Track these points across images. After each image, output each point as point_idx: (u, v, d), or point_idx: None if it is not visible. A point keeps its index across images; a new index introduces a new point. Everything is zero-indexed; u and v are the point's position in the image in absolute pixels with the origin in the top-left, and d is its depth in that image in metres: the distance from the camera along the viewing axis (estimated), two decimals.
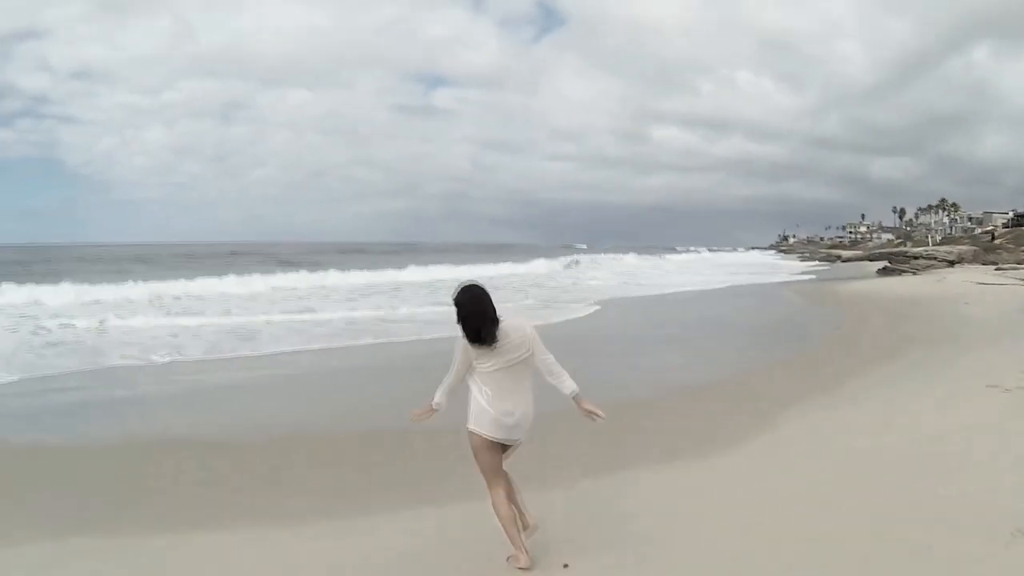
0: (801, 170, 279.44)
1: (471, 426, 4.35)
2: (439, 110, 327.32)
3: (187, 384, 11.16)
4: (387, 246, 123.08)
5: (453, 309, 4.36)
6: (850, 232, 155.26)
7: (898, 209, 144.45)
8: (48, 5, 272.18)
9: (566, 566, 4.33)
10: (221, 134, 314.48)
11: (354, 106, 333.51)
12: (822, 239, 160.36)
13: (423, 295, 26.55)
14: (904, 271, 48.44)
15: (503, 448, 4.41)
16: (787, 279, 43.18)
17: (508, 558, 4.41)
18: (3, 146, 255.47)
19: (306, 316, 19.56)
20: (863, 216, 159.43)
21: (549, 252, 76.43)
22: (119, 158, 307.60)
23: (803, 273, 52.80)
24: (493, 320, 4.29)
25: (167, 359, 12.75)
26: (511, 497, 4.47)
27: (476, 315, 4.28)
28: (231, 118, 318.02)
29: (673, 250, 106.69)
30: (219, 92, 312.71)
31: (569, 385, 4.39)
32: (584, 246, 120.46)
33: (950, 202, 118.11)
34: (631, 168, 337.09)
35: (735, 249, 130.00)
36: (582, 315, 21.49)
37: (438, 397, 4.42)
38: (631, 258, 63.73)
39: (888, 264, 54.52)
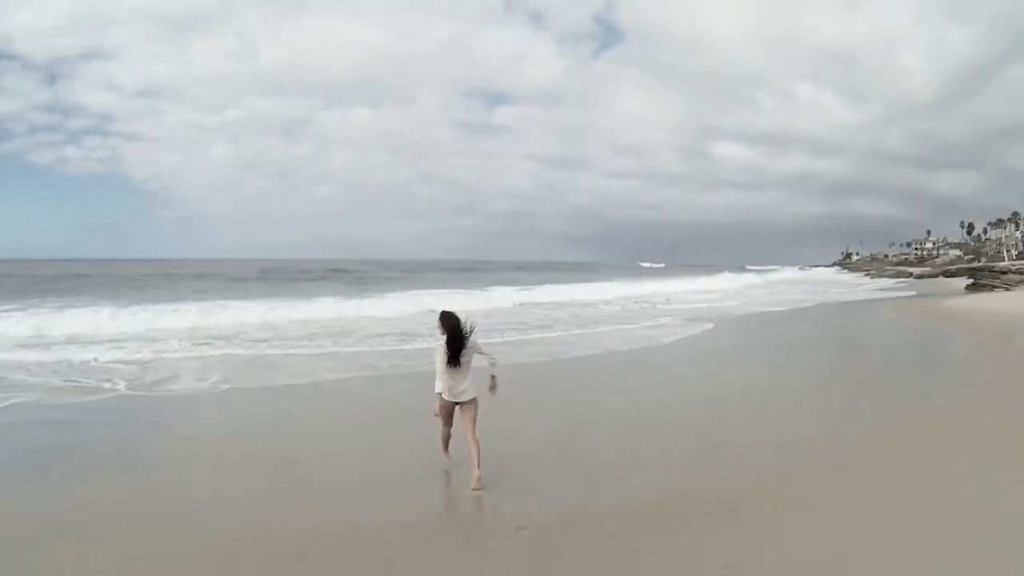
0: (862, 186, 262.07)
1: (437, 389, 6.11)
2: (500, 127, 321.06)
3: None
4: (460, 263, 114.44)
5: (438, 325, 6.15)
6: (916, 248, 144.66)
7: (966, 224, 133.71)
8: (114, 25, 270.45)
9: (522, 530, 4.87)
10: (284, 151, 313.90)
11: (415, 123, 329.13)
12: (886, 256, 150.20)
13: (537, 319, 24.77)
14: (995, 287, 43.83)
15: (454, 406, 6.08)
16: (877, 296, 39.66)
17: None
18: (70, 163, 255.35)
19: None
20: (928, 232, 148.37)
21: (625, 272, 73.71)
22: (184, 174, 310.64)
23: (885, 290, 48.65)
24: (462, 345, 6.01)
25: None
26: (472, 444, 5.96)
27: (456, 341, 5.98)
28: (294, 135, 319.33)
29: (743, 268, 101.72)
30: (282, 110, 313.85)
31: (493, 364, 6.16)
32: (662, 265, 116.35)
33: (1023, 215, 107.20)
34: (693, 185, 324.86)
35: (804, 267, 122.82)
36: (696, 332, 19.49)
37: (439, 386, 6.06)
38: (725, 276, 60.54)
39: (974, 280, 49.65)
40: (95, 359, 13.40)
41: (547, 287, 39.33)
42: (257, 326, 20.35)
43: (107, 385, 10.87)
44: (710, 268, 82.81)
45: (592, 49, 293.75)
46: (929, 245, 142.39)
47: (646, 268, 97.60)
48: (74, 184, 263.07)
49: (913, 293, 41.13)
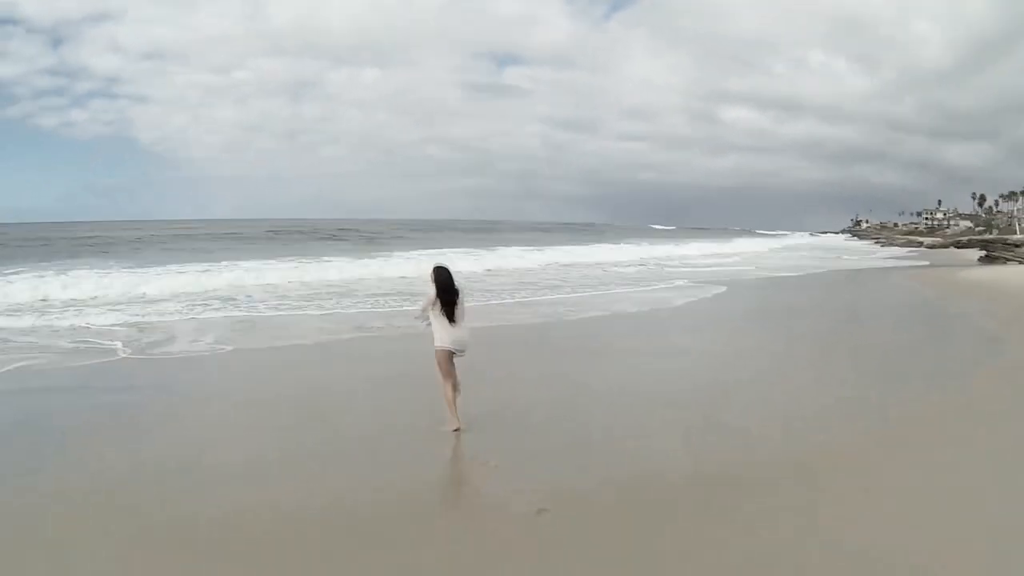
0: (873, 154, 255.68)
1: (437, 345, 6.29)
2: (510, 88, 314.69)
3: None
4: (470, 223, 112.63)
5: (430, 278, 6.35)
6: (926, 218, 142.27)
7: (977, 195, 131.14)
8: None
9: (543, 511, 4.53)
10: (292, 112, 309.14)
11: (425, 84, 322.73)
12: (895, 224, 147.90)
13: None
14: (1009, 259, 43.03)
15: (451, 357, 6.29)
16: (889, 264, 38.95)
17: (453, 430, 6.21)
18: (76, 126, 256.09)
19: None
20: (939, 202, 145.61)
21: (637, 234, 72.78)
22: (191, 136, 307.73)
23: (897, 258, 47.85)
24: (454, 298, 6.27)
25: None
26: (455, 390, 6.31)
27: (447, 292, 6.23)
28: (302, 96, 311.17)
29: (754, 233, 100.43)
30: (289, 70, 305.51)
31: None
32: (672, 228, 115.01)
33: None
34: (702, 149, 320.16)
35: (814, 233, 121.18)
36: (709, 295, 19.20)
37: (420, 315, 6.48)
38: (740, 241, 59.57)
39: (987, 252, 48.83)
40: (95, 323, 13.03)
41: (559, 248, 38.90)
42: (262, 287, 20.05)
43: (108, 348, 10.56)
44: (720, 231, 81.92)
45: (604, 11, 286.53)
46: (940, 215, 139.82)
47: (657, 230, 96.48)
48: (80, 147, 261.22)
49: (926, 263, 40.41)
